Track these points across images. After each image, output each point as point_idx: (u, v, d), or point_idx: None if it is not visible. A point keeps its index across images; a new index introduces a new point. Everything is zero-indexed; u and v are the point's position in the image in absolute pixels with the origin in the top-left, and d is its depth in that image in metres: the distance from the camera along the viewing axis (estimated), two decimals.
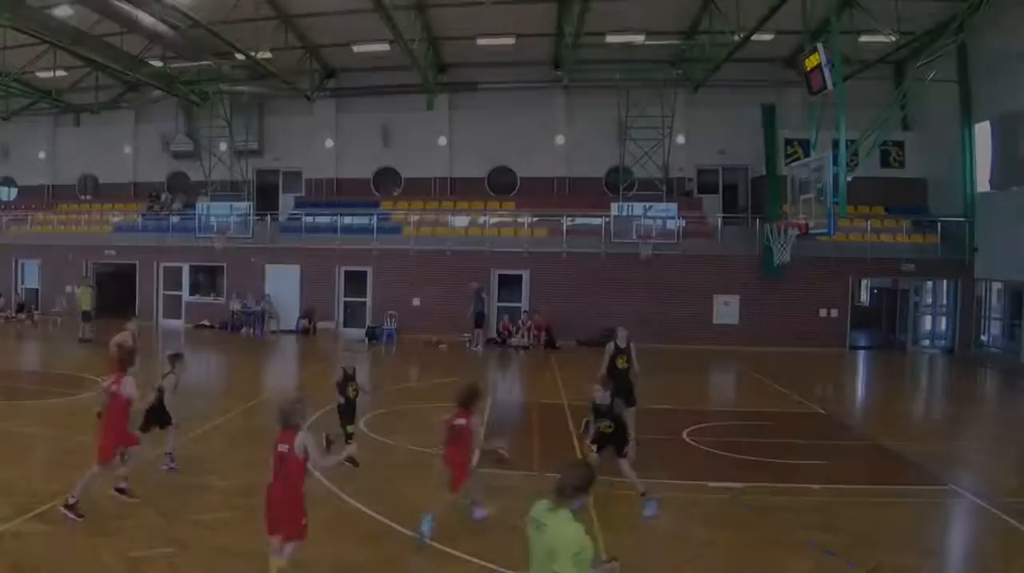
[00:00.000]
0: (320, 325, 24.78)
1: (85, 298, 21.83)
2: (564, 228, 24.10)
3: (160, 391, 8.74)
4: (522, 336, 22.75)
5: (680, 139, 26.72)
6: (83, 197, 31.22)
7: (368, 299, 24.84)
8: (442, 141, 28.36)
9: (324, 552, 6.48)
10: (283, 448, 5.64)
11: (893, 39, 18.84)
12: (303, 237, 25.24)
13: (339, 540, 6.78)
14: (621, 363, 10.48)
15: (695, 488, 8.72)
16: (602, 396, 7.93)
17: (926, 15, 18.72)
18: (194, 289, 26.57)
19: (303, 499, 5.69)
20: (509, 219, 25.59)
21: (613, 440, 7.93)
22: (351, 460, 8.30)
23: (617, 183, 25.10)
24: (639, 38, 23.49)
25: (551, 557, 3.69)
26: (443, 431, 7.25)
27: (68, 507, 6.99)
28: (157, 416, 8.73)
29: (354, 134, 28.83)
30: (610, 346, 10.61)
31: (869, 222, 23.40)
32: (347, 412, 9.27)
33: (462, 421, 7.09)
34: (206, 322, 25.61)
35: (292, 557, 5.66)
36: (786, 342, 22.80)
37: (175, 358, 9.07)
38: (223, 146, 26.74)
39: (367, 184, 29.13)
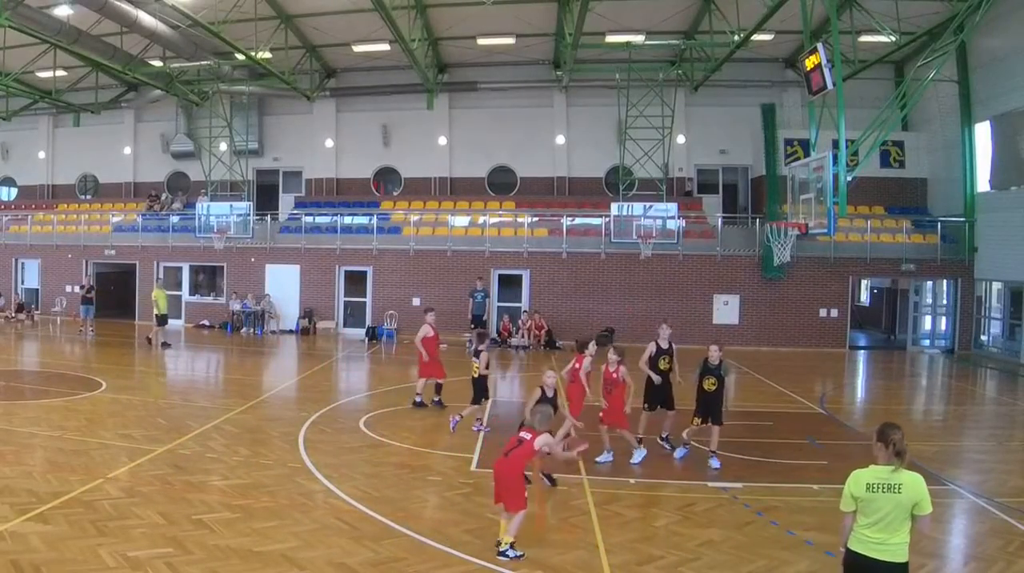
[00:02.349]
0: (320, 325, 24.79)
1: (162, 301, 20.83)
2: (564, 228, 24.09)
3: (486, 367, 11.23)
4: (522, 336, 22.74)
5: (680, 139, 26.76)
6: (83, 197, 31.26)
7: (368, 299, 24.84)
8: (442, 141, 28.37)
9: (324, 552, 6.50)
10: (524, 435, 6.74)
11: (893, 39, 18.84)
12: (303, 237, 25.23)
13: (339, 540, 6.78)
14: (663, 365, 10.28)
15: (695, 488, 8.73)
16: (715, 356, 9.53)
17: (926, 15, 18.73)
18: (194, 289, 26.58)
19: (523, 480, 6.66)
20: (509, 219, 25.58)
21: (713, 400, 9.48)
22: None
23: (617, 183, 25.09)
24: (639, 38, 23.49)
25: (915, 508, 4.49)
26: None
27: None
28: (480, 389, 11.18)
29: (354, 134, 28.85)
30: (651, 346, 10.39)
31: (869, 222, 23.40)
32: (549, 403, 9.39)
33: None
34: (206, 322, 25.61)
35: (515, 531, 6.50)
36: (786, 342, 22.83)
37: (483, 336, 11.95)
38: (223, 146, 26.72)
39: (367, 184, 29.15)
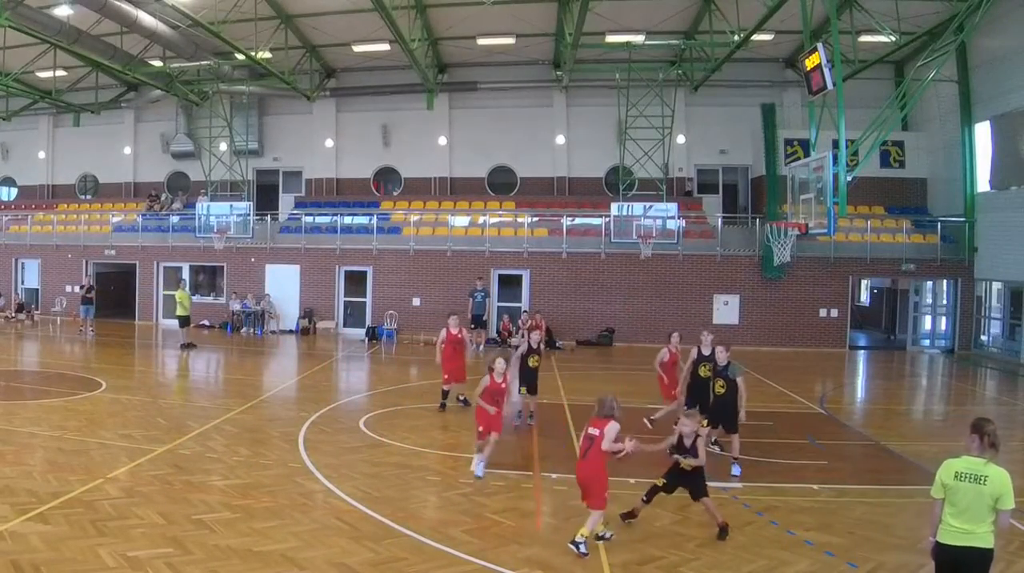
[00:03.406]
0: (320, 325, 24.78)
1: (184, 302, 20.71)
2: (564, 228, 24.09)
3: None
4: (522, 336, 22.66)
5: (680, 139, 26.77)
6: (83, 197, 31.25)
7: (368, 299, 24.84)
8: (442, 141, 28.38)
9: (324, 552, 6.50)
10: (593, 431, 6.60)
11: (893, 39, 18.84)
12: (303, 237, 25.22)
13: (339, 540, 6.78)
14: (704, 372, 10.30)
15: None
16: (723, 357, 9.51)
17: (926, 15, 18.73)
18: (194, 289, 26.53)
19: (606, 477, 6.56)
20: (509, 219, 25.57)
21: (723, 406, 9.38)
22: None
23: (617, 183, 25.10)
24: (639, 38, 23.49)
25: (995, 500, 4.64)
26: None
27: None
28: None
29: (354, 134, 28.86)
30: (693, 352, 10.50)
31: (869, 222, 23.40)
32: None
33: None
34: (206, 322, 25.59)
35: (593, 526, 6.53)
36: (786, 342, 22.82)
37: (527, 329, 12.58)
38: (223, 146, 26.72)
39: (367, 184, 29.15)
